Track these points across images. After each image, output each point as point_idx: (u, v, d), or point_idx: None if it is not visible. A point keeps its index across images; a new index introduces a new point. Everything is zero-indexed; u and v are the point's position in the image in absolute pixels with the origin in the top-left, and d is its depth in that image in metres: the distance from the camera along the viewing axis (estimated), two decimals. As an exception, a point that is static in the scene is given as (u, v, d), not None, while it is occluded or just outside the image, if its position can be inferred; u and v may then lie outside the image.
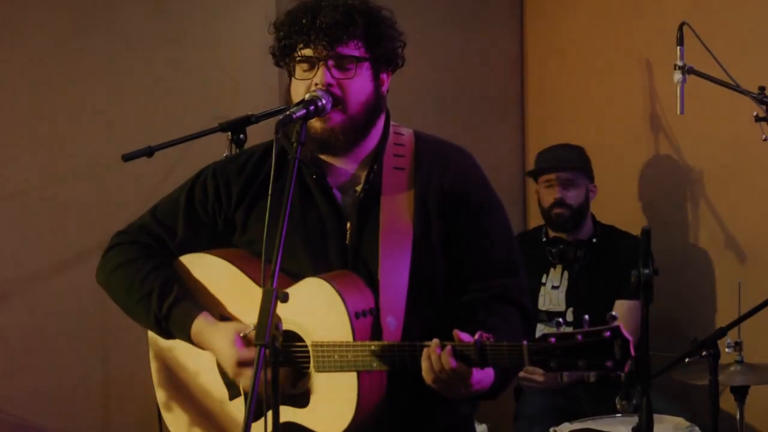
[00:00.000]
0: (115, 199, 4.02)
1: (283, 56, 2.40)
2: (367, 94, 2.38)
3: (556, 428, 3.62)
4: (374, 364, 2.23)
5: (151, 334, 2.61)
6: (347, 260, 2.39)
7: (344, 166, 2.44)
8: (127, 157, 3.41)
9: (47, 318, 3.97)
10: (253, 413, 1.98)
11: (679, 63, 3.73)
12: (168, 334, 2.50)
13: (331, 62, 2.33)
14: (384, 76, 2.43)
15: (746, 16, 4.20)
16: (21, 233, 3.94)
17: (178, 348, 2.55)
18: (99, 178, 4.02)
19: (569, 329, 2.11)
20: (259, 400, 2.19)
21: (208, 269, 2.52)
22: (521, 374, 4.03)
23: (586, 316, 2.11)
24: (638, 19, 4.61)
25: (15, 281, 3.94)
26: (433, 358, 2.17)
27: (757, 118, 3.56)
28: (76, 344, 4.02)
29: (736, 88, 3.65)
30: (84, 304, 4.00)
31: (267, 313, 2.02)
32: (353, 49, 2.34)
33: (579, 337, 2.07)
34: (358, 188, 2.43)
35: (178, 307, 2.46)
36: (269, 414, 2.25)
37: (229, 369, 2.38)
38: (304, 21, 2.34)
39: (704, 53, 3.70)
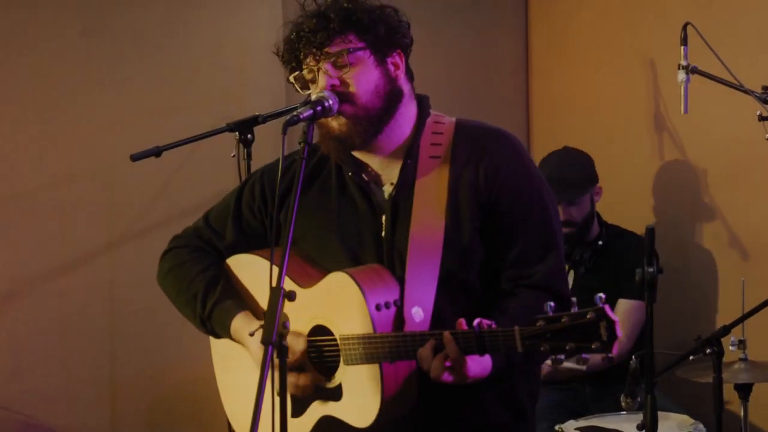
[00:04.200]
0: (122, 199, 4.03)
1: (293, 78, 2.42)
2: (375, 81, 2.37)
3: (562, 425, 3.63)
4: (394, 355, 2.24)
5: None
6: (382, 254, 2.39)
7: (379, 159, 2.45)
8: (135, 157, 3.42)
9: (55, 317, 3.99)
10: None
11: (683, 63, 3.73)
12: (213, 333, 2.58)
13: (328, 65, 2.35)
14: (394, 58, 2.41)
15: (750, 16, 4.21)
16: (29, 233, 3.96)
17: (227, 344, 2.59)
18: (107, 178, 4.03)
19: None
20: (293, 399, 2.31)
21: (252, 268, 2.56)
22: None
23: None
24: (642, 19, 4.62)
25: (23, 280, 3.96)
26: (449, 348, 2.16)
27: (761, 118, 3.57)
28: (84, 343, 4.03)
29: (739, 88, 3.65)
30: (92, 303, 4.03)
31: (274, 311, 2.04)
32: (341, 44, 2.35)
33: (565, 319, 2.06)
34: (394, 181, 2.43)
35: (220, 306, 2.52)
36: (308, 411, 2.36)
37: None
38: (292, 37, 2.38)
39: (708, 53, 3.71)
